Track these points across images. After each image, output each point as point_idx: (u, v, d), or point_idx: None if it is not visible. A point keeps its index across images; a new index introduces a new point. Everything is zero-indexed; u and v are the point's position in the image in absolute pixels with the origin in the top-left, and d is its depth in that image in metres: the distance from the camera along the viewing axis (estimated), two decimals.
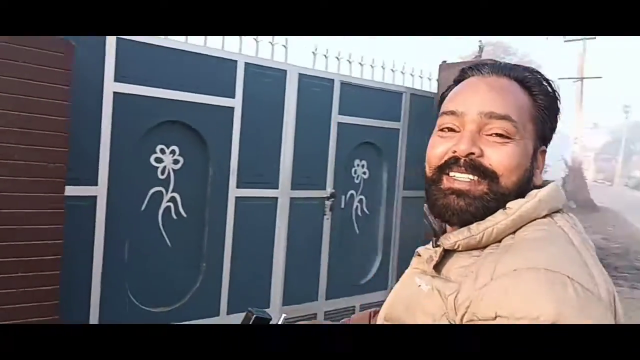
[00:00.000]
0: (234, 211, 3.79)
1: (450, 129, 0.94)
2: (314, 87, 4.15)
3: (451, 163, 0.92)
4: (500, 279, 0.78)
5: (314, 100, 4.16)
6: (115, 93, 3.15)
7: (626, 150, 52.72)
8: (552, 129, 0.97)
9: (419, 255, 0.99)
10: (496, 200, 0.89)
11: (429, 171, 0.96)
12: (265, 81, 3.86)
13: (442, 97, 1.01)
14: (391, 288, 3.84)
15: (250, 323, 1.25)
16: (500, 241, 0.87)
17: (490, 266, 0.81)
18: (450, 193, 0.91)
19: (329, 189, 4.34)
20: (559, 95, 0.97)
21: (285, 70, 3.96)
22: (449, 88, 1.00)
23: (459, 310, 0.80)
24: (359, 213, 4.68)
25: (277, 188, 4.02)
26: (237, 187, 3.79)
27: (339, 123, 4.34)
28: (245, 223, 3.85)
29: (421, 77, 5.05)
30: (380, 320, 1.03)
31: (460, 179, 0.91)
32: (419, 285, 0.91)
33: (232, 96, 3.69)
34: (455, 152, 0.91)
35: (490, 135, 0.90)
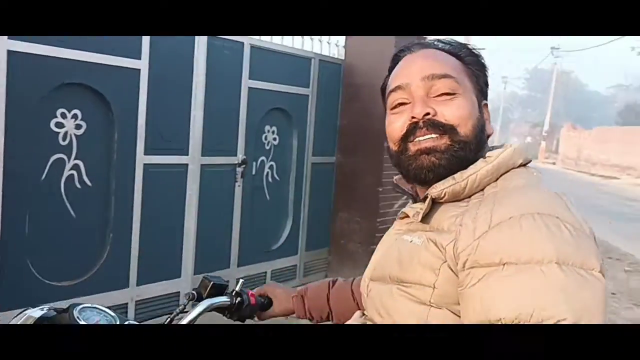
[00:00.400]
0: (142, 179, 3.63)
1: (401, 104, 1.01)
2: (224, 50, 4.03)
3: (412, 129, 0.99)
4: (499, 227, 0.83)
5: (224, 64, 4.04)
6: (9, 52, 2.86)
7: (504, 119, 56.80)
8: (486, 83, 1.07)
9: (404, 216, 1.03)
10: (462, 149, 0.96)
11: (393, 145, 1.03)
12: (173, 42, 3.68)
13: (383, 87, 1.09)
14: (301, 253, 3.90)
15: (208, 289, 1.24)
16: (483, 190, 0.93)
17: (486, 215, 0.86)
18: (420, 154, 0.98)
19: (240, 156, 4.28)
20: (479, 53, 1.06)
21: None
22: (387, 77, 1.09)
23: (460, 258, 0.85)
24: (270, 179, 4.67)
25: (187, 154, 3.90)
26: (145, 153, 3.62)
27: (249, 88, 4.27)
28: (154, 191, 3.70)
29: (329, 44, 5.07)
30: (365, 283, 1.06)
31: (425, 139, 0.97)
32: (411, 241, 0.95)
33: (138, 57, 3.49)
34: (413, 117, 0.98)
35: (438, 95, 0.98)
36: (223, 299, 1.27)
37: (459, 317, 0.85)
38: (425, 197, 0.96)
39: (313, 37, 4.86)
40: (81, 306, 1.05)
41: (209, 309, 1.24)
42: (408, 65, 1.03)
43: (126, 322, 1.12)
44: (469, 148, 0.97)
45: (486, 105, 1.05)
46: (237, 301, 1.29)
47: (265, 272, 4.69)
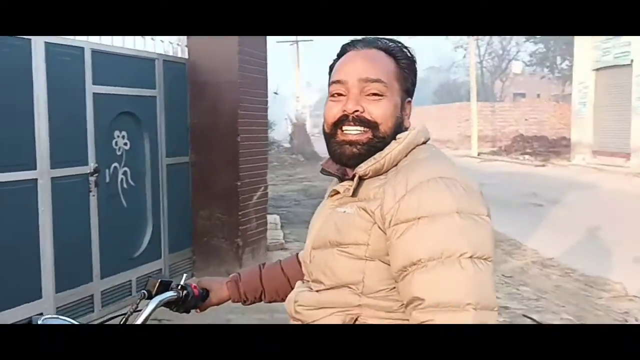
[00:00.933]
0: None
1: (339, 94, 1.20)
2: (64, 57, 3.85)
3: (343, 120, 1.19)
4: (412, 190, 1.07)
5: (65, 71, 3.86)
6: None
7: None
8: (413, 84, 1.28)
9: (334, 193, 1.23)
10: (380, 142, 1.18)
11: (327, 128, 1.22)
12: (6, 51, 3.44)
13: (331, 67, 1.26)
14: (165, 256, 4.01)
15: (157, 286, 1.33)
16: (397, 164, 1.16)
17: (402, 183, 1.09)
18: (345, 144, 1.19)
19: (92, 164, 4.13)
20: (415, 58, 1.27)
21: (29, 39, 3.58)
22: (335, 61, 1.27)
23: (386, 218, 1.08)
24: (125, 185, 4.55)
25: (34, 169, 3.67)
26: None
27: (94, 94, 4.12)
28: (3, 211, 3.45)
29: (171, 43, 5.04)
30: (307, 252, 1.25)
31: (351, 132, 1.18)
32: (344, 211, 1.16)
33: None
34: (345, 111, 1.18)
35: (369, 95, 1.18)
36: (171, 294, 1.37)
37: (389, 265, 1.08)
38: (354, 176, 1.17)
39: (154, 37, 4.80)
40: (45, 317, 1.06)
41: (160, 305, 1.33)
42: (350, 63, 1.21)
43: None
44: (386, 142, 1.18)
45: (409, 102, 1.27)
46: (183, 294, 1.38)
47: (131, 280, 4.58)
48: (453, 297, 0.98)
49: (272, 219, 7.17)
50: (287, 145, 24.00)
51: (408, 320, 1.05)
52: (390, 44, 1.25)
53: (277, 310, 4.11)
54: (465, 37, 30.19)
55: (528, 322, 4.36)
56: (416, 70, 1.28)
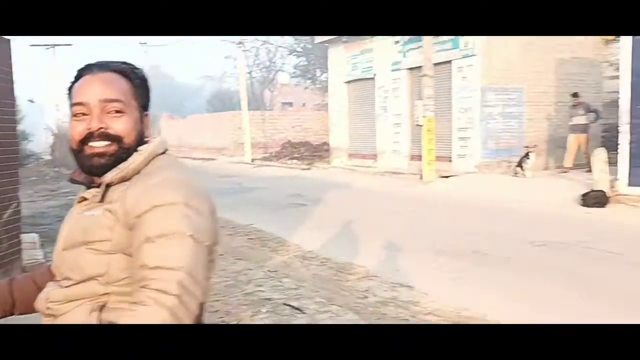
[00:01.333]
0: None
1: (83, 114, 1.35)
2: None
3: (89, 137, 1.34)
4: (150, 188, 1.28)
5: None
6: None
7: None
8: (148, 99, 1.47)
9: (82, 200, 1.38)
10: (125, 153, 1.36)
11: (74, 145, 1.36)
12: None
13: (70, 89, 1.39)
14: None
15: None
16: (139, 172, 1.35)
17: (142, 185, 1.30)
18: (93, 156, 1.34)
19: None
20: (146, 77, 1.46)
21: None
22: (72, 83, 1.40)
23: (128, 213, 1.27)
24: None
25: None
26: None
27: None
28: None
29: None
30: (58, 255, 1.37)
31: (98, 146, 1.34)
32: (92, 215, 1.32)
33: None
34: (89, 129, 1.34)
35: (110, 112, 1.35)
36: None
37: (130, 256, 1.27)
38: (101, 183, 1.34)
39: None
40: None
41: None
42: (89, 86, 1.34)
43: None
44: (130, 152, 1.36)
45: (147, 115, 1.45)
46: None
47: None
48: (170, 261, 1.20)
49: (30, 238, 6.64)
50: (48, 157, 22.00)
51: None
52: (123, 66, 1.42)
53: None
54: (234, 49, 31.08)
55: (288, 310, 4.84)
56: (149, 88, 1.47)
